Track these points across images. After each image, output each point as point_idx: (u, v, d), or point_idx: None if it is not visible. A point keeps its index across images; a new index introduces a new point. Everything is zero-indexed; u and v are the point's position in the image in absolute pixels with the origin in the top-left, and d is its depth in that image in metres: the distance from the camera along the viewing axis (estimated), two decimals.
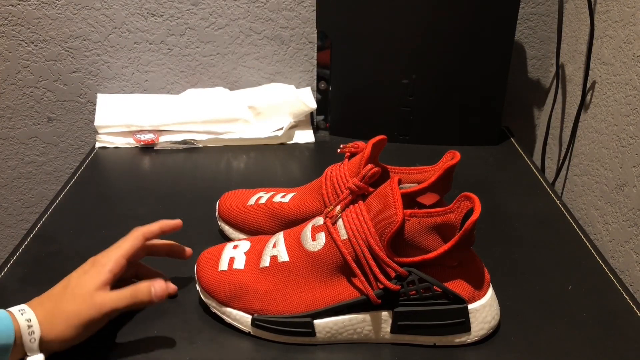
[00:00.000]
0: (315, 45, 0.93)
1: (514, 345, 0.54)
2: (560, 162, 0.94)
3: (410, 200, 0.59)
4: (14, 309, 0.48)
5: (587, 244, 0.69)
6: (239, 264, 0.56)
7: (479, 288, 0.53)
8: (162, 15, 0.96)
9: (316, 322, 0.53)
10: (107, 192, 0.80)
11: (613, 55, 0.79)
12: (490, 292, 0.54)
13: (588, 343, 0.55)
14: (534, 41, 1.00)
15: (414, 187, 0.58)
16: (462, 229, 0.48)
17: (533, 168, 0.87)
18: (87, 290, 0.50)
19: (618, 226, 0.76)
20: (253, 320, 0.54)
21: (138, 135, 0.91)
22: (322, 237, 0.53)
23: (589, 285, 0.62)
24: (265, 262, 0.55)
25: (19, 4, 0.93)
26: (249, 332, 0.54)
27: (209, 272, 0.56)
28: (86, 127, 1.03)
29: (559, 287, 0.62)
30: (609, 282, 0.63)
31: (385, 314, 0.52)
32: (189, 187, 0.81)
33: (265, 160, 0.89)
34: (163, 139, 0.91)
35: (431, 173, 0.60)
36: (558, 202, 0.78)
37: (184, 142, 0.92)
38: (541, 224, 0.74)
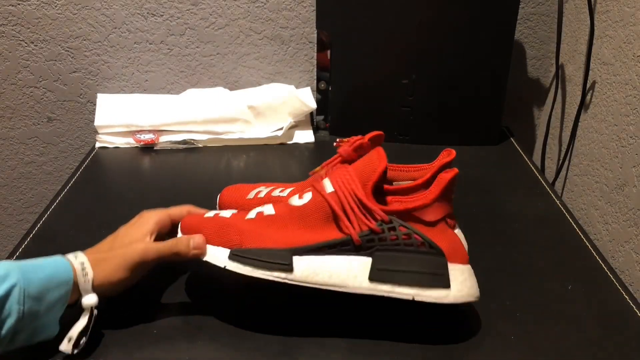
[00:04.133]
0: (315, 45, 0.93)
1: (514, 345, 0.54)
2: (560, 162, 0.94)
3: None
4: (69, 255, 0.52)
5: (587, 244, 0.69)
6: (225, 215, 0.57)
7: (457, 253, 0.53)
8: (162, 15, 0.96)
9: (295, 257, 0.52)
10: (107, 192, 0.80)
11: (613, 55, 0.79)
12: (469, 266, 0.55)
13: (588, 343, 0.55)
14: (534, 41, 1.00)
15: (409, 184, 0.58)
16: (442, 183, 0.50)
17: (533, 168, 0.87)
18: (133, 237, 0.55)
19: (618, 226, 0.76)
20: (231, 252, 0.53)
21: (138, 135, 0.91)
22: (308, 195, 0.54)
23: (589, 285, 0.62)
24: (252, 215, 0.56)
25: (19, 4, 0.93)
26: (224, 267, 0.53)
27: (192, 221, 0.57)
28: (86, 127, 1.03)
29: (559, 287, 0.62)
30: (609, 282, 0.63)
31: (365, 259, 0.52)
32: (189, 187, 0.81)
33: (265, 160, 0.89)
34: (163, 139, 0.91)
35: (428, 171, 0.61)
36: (558, 202, 0.78)
37: (184, 142, 0.92)
38: (541, 224, 0.73)
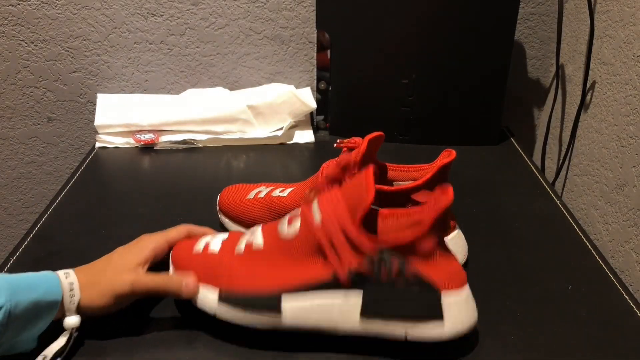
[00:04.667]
0: (315, 45, 0.93)
1: (514, 345, 0.54)
2: (560, 162, 0.94)
3: (405, 197, 0.59)
4: (60, 272, 0.52)
5: (587, 244, 0.69)
6: (214, 248, 0.56)
7: (453, 282, 0.51)
8: (162, 15, 0.96)
9: (284, 301, 0.51)
10: (107, 192, 0.80)
11: (613, 55, 0.79)
12: (467, 291, 0.53)
13: (588, 343, 0.55)
14: (534, 41, 1.00)
15: (408, 184, 0.59)
16: (434, 215, 0.48)
17: (533, 168, 0.87)
18: (126, 263, 0.54)
19: (618, 226, 0.76)
20: (219, 296, 0.53)
21: (138, 135, 0.91)
22: (297, 223, 0.53)
23: (589, 285, 0.62)
24: (240, 249, 0.54)
25: (19, 4, 0.93)
26: (214, 315, 0.53)
27: (182, 254, 0.57)
28: (86, 127, 1.03)
29: (559, 287, 0.62)
30: (609, 282, 0.63)
31: (355, 298, 0.51)
32: (189, 187, 0.81)
33: (265, 160, 0.89)
34: (163, 139, 0.91)
35: (428, 171, 0.61)
36: (558, 202, 0.78)
37: (184, 142, 0.92)
38: (541, 224, 0.74)
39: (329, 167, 0.63)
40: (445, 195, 0.49)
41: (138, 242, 0.57)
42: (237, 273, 0.53)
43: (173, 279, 0.54)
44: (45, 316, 0.49)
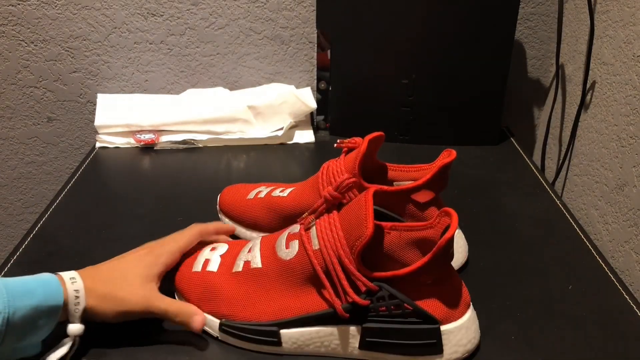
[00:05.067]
0: (315, 45, 0.93)
1: (514, 345, 0.54)
2: (560, 162, 0.94)
3: (405, 197, 0.59)
4: (66, 275, 0.50)
5: (587, 244, 0.69)
6: (213, 266, 0.56)
7: (455, 308, 0.50)
8: (162, 15, 0.96)
9: (282, 331, 0.52)
10: (107, 192, 0.80)
11: (613, 55, 0.79)
12: (469, 314, 0.52)
13: (588, 343, 0.55)
14: (534, 41, 1.00)
15: (409, 184, 0.58)
16: (437, 245, 0.47)
17: (533, 168, 0.87)
18: (138, 279, 0.52)
19: (618, 226, 0.76)
20: (220, 325, 0.53)
21: (138, 135, 0.91)
22: (295, 246, 0.52)
23: (589, 285, 0.62)
24: (239, 266, 0.54)
25: (19, 4, 0.93)
26: (217, 337, 0.54)
27: (183, 272, 0.57)
28: (86, 127, 1.03)
29: (559, 287, 0.62)
30: (609, 282, 0.63)
31: (353, 329, 0.51)
32: (189, 187, 0.81)
33: (265, 160, 0.89)
34: (163, 139, 0.91)
35: (428, 171, 0.61)
36: (558, 202, 0.78)
37: (184, 142, 0.92)
38: (541, 224, 0.74)
39: (328, 181, 0.62)
40: (450, 222, 0.47)
41: (151, 251, 0.55)
42: (236, 298, 0.53)
43: (185, 311, 0.53)
44: (47, 321, 0.47)
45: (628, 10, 0.76)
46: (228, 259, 0.56)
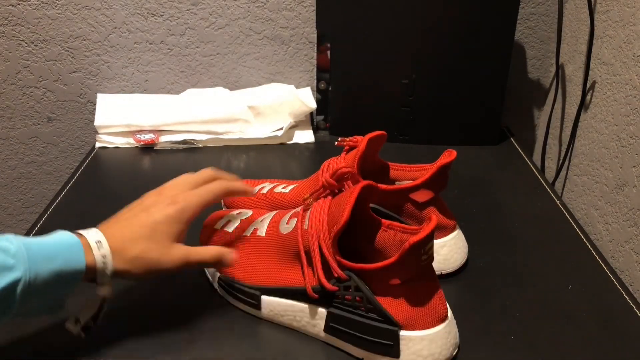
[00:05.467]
0: (315, 45, 0.93)
1: (514, 345, 0.54)
2: (560, 162, 0.94)
3: (403, 196, 0.59)
4: (91, 237, 0.48)
5: (587, 244, 0.69)
6: (231, 227, 0.60)
7: (422, 317, 0.49)
8: (162, 15, 0.96)
9: (263, 297, 0.55)
10: (107, 192, 0.80)
11: (613, 55, 0.79)
12: (440, 328, 0.50)
13: (588, 343, 0.55)
14: (534, 41, 1.00)
15: (408, 183, 0.59)
16: (402, 247, 0.46)
17: (533, 168, 0.87)
18: (168, 240, 0.51)
19: (618, 226, 0.76)
20: (218, 279, 0.58)
21: (138, 135, 0.91)
22: (292, 223, 0.55)
23: (589, 285, 0.62)
24: (249, 232, 0.58)
25: (19, 4, 0.93)
26: (216, 289, 0.59)
27: (207, 227, 0.62)
28: (86, 127, 1.03)
29: (559, 287, 0.62)
30: (609, 282, 0.63)
31: (321, 311, 0.52)
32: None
33: (265, 160, 0.89)
34: (163, 139, 0.91)
35: (429, 171, 0.61)
36: (558, 202, 0.78)
37: (184, 142, 0.92)
38: (541, 224, 0.73)
39: (328, 171, 0.63)
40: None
41: (175, 203, 0.53)
42: (237, 264, 0.56)
43: (218, 254, 0.54)
44: (69, 284, 0.46)
45: (628, 10, 0.76)
46: (245, 224, 0.59)
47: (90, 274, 0.47)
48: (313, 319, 0.53)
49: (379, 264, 0.48)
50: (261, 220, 0.58)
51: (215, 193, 0.56)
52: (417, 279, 0.49)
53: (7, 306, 0.43)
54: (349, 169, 0.53)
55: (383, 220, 0.52)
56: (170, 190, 0.55)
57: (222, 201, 0.71)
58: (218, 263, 0.55)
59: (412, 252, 0.46)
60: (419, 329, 0.49)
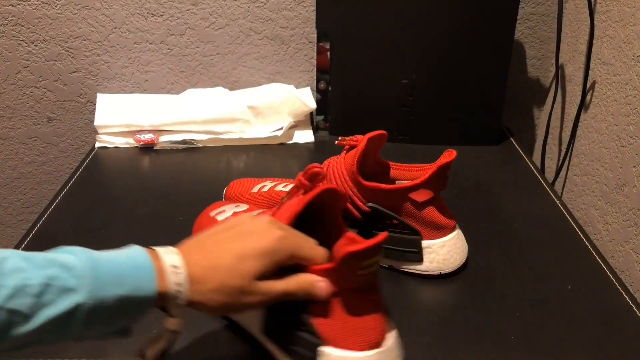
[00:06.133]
0: (315, 45, 0.93)
1: (514, 345, 0.54)
2: (560, 162, 0.94)
3: (402, 196, 0.59)
4: (167, 260, 0.42)
5: (587, 244, 0.69)
6: (222, 216, 0.60)
7: (349, 337, 0.46)
8: (162, 15, 0.96)
9: None
10: (107, 192, 0.80)
11: (613, 55, 0.79)
12: (366, 355, 0.46)
13: (588, 343, 0.55)
14: (534, 41, 1.00)
15: (407, 183, 0.59)
16: (335, 259, 0.44)
17: (533, 168, 0.87)
18: (254, 271, 0.43)
19: (618, 226, 0.76)
20: None
21: (138, 135, 0.91)
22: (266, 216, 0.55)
23: (589, 285, 0.62)
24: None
25: (19, 4, 0.93)
26: None
27: (203, 214, 0.62)
28: (86, 127, 1.03)
29: (558, 287, 0.62)
30: (609, 282, 0.63)
31: (258, 312, 0.50)
32: (189, 187, 0.81)
33: (265, 160, 0.89)
34: (163, 139, 0.91)
35: (428, 171, 0.61)
36: (558, 202, 0.78)
37: (184, 142, 0.92)
38: (541, 224, 0.73)
39: (331, 163, 0.63)
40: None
41: (268, 249, 0.44)
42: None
43: (304, 282, 0.45)
44: (136, 312, 0.41)
45: (628, 10, 0.76)
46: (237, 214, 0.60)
47: (162, 302, 0.42)
48: (253, 318, 0.51)
49: (316, 267, 0.46)
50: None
51: (317, 257, 0.47)
52: (353, 294, 0.46)
53: (65, 330, 0.38)
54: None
55: (348, 233, 0.50)
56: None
57: (224, 192, 0.72)
58: (307, 294, 0.45)
59: (347, 261, 0.44)
60: (343, 348, 0.46)
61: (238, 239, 0.45)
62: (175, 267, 0.42)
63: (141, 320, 0.42)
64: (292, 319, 0.47)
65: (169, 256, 0.42)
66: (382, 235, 0.43)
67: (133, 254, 0.42)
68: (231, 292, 0.43)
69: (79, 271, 0.38)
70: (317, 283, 0.45)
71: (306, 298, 0.45)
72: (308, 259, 0.46)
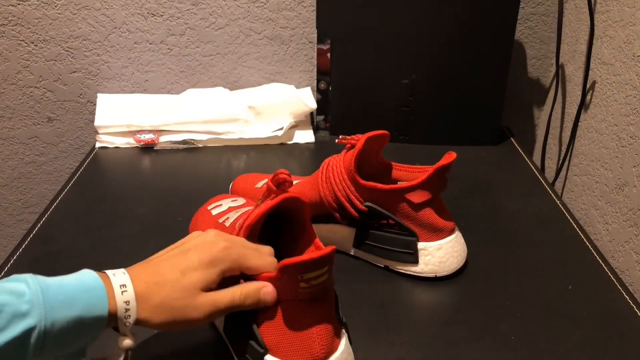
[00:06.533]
0: (315, 45, 0.93)
1: (514, 345, 0.54)
2: (560, 162, 0.94)
3: (399, 196, 0.59)
4: (115, 281, 0.42)
5: (587, 244, 0.69)
6: (217, 210, 0.60)
7: (290, 349, 0.45)
8: (162, 15, 0.96)
9: None
10: (107, 192, 0.80)
11: (613, 55, 0.79)
12: None
13: (588, 343, 0.55)
14: (534, 41, 1.00)
15: (404, 183, 0.59)
16: (286, 263, 0.43)
17: (533, 168, 0.87)
18: (197, 284, 0.44)
19: (618, 226, 0.76)
20: None
21: (138, 135, 0.91)
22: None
23: (589, 285, 0.62)
24: (223, 218, 0.58)
25: (19, 4, 0.93)
26: None
27: (201, 208, 0.62)
28: (86, 127, 1.03)
29: (559, 287, 0.62)
30: (609, 282, 0.63)
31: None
32: (189, 187, 0.81)
33: (265, 160, 0.89)
34: (163, 139, 0.91)
35: (426, 172, 0.61)
36: (558, 202, 0.78)
37: (184, 142, 0.92)
38: (541, 224, 0.74)
39: (331, 161, 0.63)
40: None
41: (211, 260, 0.45)
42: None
43: (251, 290, 0.46)
44: (90, 332, 0.42)
45: (628, 10, 0.76)
46: (229, 211, 0.59)
47: (114, 321, 0.43)
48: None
49: (262, 275, 0.46)
50: (236, 212, 0.58)
51: (265, 266, 0.47)
52: (299, 304, 0.45)
53: (20, 355, 0.39)
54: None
55: (317, 240, 0.50)
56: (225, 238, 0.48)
57: (230, 186, 0.73)
58: (255, 300, 0.46)
59: (286, 272, 0.43)
60: (286, 359, 0.45)
61: (182, 255, 0.46)
62: (123, 285, 0.43)
63: (96, 342, 0.42)
64: (244, 324, 0.47)
65: (118, 277, 0.43)
66: (328, 249, 0.43)
67: (83, 277, 0.42)
68: (176, 306, 0.44)
69: (30, 296, 0.39)
70: (262, 288, 0.46)
71: (257, 306, 0.46)
72: (254, 269, 0.47)
